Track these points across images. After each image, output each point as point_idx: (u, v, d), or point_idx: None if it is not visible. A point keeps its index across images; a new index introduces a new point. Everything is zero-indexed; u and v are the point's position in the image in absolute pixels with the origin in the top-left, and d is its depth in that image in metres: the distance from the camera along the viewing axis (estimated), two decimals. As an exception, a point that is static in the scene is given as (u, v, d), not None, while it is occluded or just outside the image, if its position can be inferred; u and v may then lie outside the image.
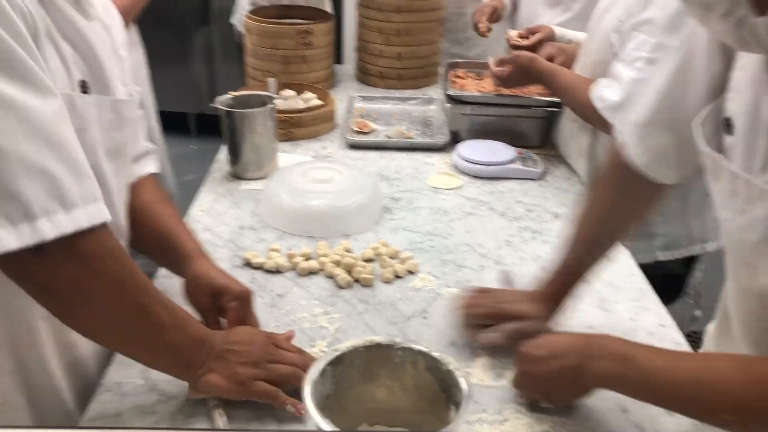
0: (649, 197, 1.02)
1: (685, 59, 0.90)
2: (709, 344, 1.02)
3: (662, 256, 1.58)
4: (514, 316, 1.01)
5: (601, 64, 1.49)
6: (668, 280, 1.58)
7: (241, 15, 2.54)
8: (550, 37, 1.87)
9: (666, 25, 1.29)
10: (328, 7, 2.39)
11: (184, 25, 3.79)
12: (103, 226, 0.75)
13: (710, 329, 1.02)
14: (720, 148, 0.84)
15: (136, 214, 1.04)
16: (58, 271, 0.72)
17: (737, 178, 0.79)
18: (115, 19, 1.01)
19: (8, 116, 0.68)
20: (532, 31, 1.88)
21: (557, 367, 0.88)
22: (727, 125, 0.83)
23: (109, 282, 0.75)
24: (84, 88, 0.86)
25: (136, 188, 1.07)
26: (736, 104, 0.82)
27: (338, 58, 2.99)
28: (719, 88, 0.86)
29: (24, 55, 0.70)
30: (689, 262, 1.68)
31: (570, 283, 1.04)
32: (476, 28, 2.18)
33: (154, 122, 2.03)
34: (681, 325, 1.14)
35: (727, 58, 0.86)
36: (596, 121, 1.45)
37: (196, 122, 4.03)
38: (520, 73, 1.61)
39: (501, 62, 1.63)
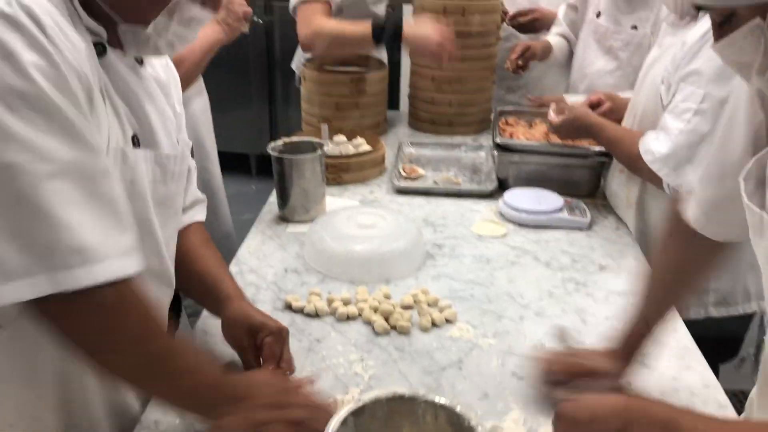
0: (710, 254, 1.02)
1: (731, 111, 0.89)
2: (750, 409, 0.98)
3: (715, 312, 1.52)
4: (591, 373, 1.01)
5: (650, 116, 1.48)
6: (722, 338, 1.52)
7: (299, 61, 2.62)
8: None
9: (713, 76, 1.28)
10: (383, 55, 2.45)
11: (248, 69, 3.93)
12: (129, 279, 0.79)
13: (753, 393, 0.98)
14: (763, 204, 0.82)
15: (181, 258, 1.08)
16: (82, 320, 0.76)
17: None
18: (174, 78, 1.08)
19: (53, 173, 0.73)
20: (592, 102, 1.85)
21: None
22: None
23: (130, 331, 0.79)
24: (135, 142, 0.92)
25: (182, 233, 1.12)
26: None
27: (394, 103, 3.05)
28: (762, 141, 0.85)
29: (74, 116, 0.75)
30: (746, 320, 1.61)
31: (642, 340, 1.05)
32: (513, 69, 2.19)
33: (213, 165, 2.10)
34: (733, 386, 1.10)
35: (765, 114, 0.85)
36: (645, 173, 1.43)
37: (257, 163, 4.16)
38: (573, 125, 1.61)
39: (559, 108, 1.66)
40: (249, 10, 1.77)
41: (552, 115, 1.66)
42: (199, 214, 1.20)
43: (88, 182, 0.77)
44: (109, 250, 0.76)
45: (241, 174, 4.06)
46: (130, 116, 0.92)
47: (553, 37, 2.26)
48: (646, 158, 1.39)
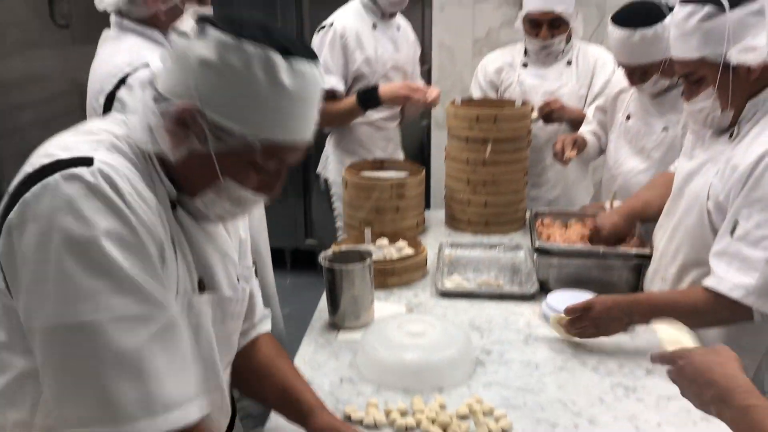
0: None
1: None
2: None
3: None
4: None
5: (693, 234, 1.54)
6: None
7: (323, 165, 2.78)
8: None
9: None
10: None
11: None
12: (195, 423, 0.87)
13: None
14: None
15: (259, 370, 1.19)
16: None
17: None
18: (246, 228, 1.22)
19: (126, 328, 0.83)
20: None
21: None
22: None
23: None
24: (201, 286, 1.03)
25: (255, 345, 1.22)
26: None
27: (427, 202, 3.16)
28: None
29: (142, 277, 0.87)
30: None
31: None
32: (557, 156, 2.28)
33: (267, 269, 2.18)
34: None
35: None
36: (726, 314, 1.43)
37: (291, 257, 4.26)
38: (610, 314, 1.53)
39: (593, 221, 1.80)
40: None
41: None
42: (266, 326, 1.30)
43: (156, 336, 0.86)
44: (177, 400, 0.85)
45: (277, 269, 4.15)
46: (198, 263, 1.03)
47: (585, 134, 2.36)
48: (737, 294, 1.38)
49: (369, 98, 2.43)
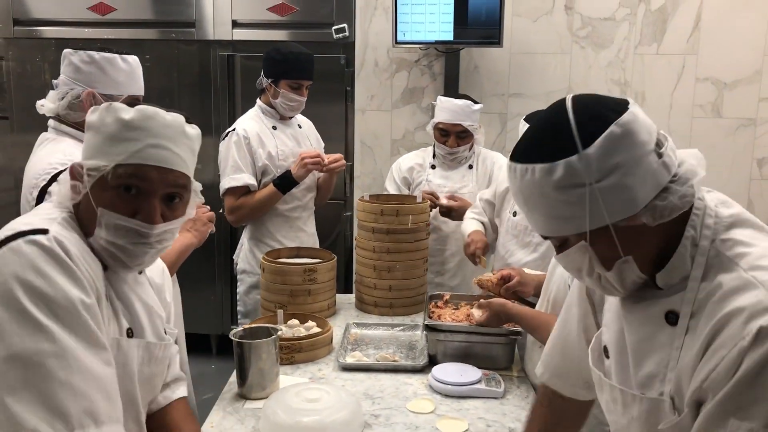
0: (574, 413, 1.32)
1: (568, 302, 1.26)
2: None
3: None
4: None
5: (560, 302, 1.82)
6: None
7: (237, 253, 3.02)
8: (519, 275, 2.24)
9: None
10: None
11: (212, 254, 4.27)
12: None
13: None
14: (603, 369, 1.15)
15: (165, 429, 1.37)
16: None
17: (613, 388, 1.10)
18: (167, 279, 1.45)
19: (70, 363, 1.04)
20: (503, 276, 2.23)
21: None
22: (605, 351, 1.15)
23: None
24: (129, 333, 1.25)
25: (168, 409, 1.41)
26: (607, 335, 1.15)
27: (349, 287, 3.39)
28: (590, 326, 1.21)
29: (91, 324, 1.09)
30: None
31: None
32: (473, 260, 2.54)
33: (183, 349, 2.35)
34: None
35: (593, 306, 1.21)
36: None
37: (217, 343, 4.37)
38: (495, 317, 1.96)
39: (480, 306, 2.01)
40: (212, 214, 2.13)
41: (476, 315, 2.00)
42: (181, 391, 1.50)
43: (96, 371, 1.07)
44: (111, 416, 1.06)
45: (202, 354, 4.25)
46: (126, 313, 1.26)
47: (471, 221, 2.66)
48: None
49: (285, 181, 2.73)
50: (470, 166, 2.96)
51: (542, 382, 1.38)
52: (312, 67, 2.80)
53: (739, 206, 1.06)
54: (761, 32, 3.68)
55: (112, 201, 1.20)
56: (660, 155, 0.98)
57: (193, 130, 1.30)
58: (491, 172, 2.96)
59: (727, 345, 0.92)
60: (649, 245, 1.01)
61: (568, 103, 1.00)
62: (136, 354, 1.27)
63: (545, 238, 1.08)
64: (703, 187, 1.06)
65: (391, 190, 3.03)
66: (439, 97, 2.91)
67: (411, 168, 3.03)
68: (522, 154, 1.02)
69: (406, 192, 3.00)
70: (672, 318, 1.02)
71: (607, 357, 1.15)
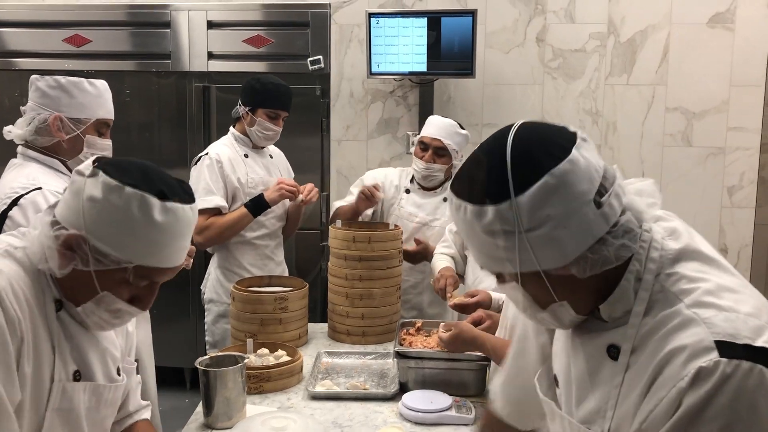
0: None
1: (522, 331, 1.24)
2: None
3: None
4: None
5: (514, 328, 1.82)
6: None
7: (204, 283, 2.99)
8: (488, 300, 2.24)
9: None
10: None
11: (187, 286, 4.21)
12: None
13: None
14: (554, 398, 1.13)
15: None
16: None
17: (563, 418, 1.08)
18: (133, 324, 1.45)
19: None
20: (471, 295, 2.25)
21: None
22: (555, 380, 1.13)
23: None
24: (76, 376, 1.24)
25: (132, 429, 1.44)
26: (557, 365, 1.13)
27: (326, 316, 3.35)
28: (548, 353, 1.19)
29: None
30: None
31: None
32: (443, 295, 2.51)
33: (151, 379, 2.30)
34: None
35: (548, 333, 1.20)
36: None
37: (191, 377, 4.29)
38: (459, 338, 1.95)
39: (446, 326, 2.00)
40: (192, 248, 2.13)
41: (441, 332, 2.00)
42: (145, 414, 1.51)
43: None
44: None
45: (175, 388, 4.17)
46: (76, 356, 1.24)
47: (442, 257, 2.66)
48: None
49: (257, 204, 2.72)
50: (444, 199, 2.94)
51: (500, 416, 1.32)
52: (290, 100, 2.84)
53: (689, 236, 1.02)
54: (726, 63, 3.77)
55: (117, 289, 1.20)
56: (599, 205, 0.92)
57: (196, 207, 1.26)
58: None
59: (666, 385, 0.89)
60: (584, 291, 0.98)
61: (509, 140, 0.95)
62: (83, 398, 1.25)
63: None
64: (661, 212, 1.04)
65: (355, 192, 2.97)
66: (431, 116, 2.97)
67: (387, 181, 2.99)
68: (457, 187, 0.99)
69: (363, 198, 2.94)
70: (613, 352, 0.99)
71: (557, 386, 1.14)
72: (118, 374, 1.37)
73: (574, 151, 0.93)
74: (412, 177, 2.97)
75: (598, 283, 0.97)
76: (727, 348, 0.86)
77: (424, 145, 2.88)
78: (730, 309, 0.91)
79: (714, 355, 0.86)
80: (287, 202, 2.87)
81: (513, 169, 0.92)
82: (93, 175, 1.15)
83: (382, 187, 2.94)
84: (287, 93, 2.82)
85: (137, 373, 1.52)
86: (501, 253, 0.95)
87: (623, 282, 0.97)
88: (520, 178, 0.92)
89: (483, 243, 0.97)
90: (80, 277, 1.17)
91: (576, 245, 0.93)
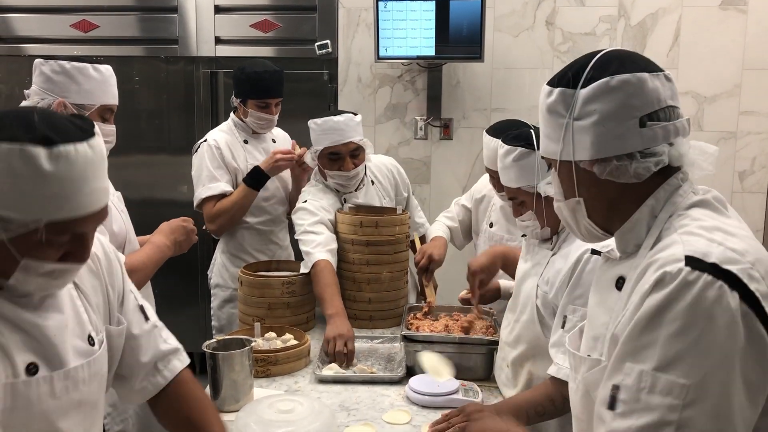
0: None
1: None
2: None
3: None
4: None
5: (527, 323, 1.81)
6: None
7: (211, 268, 2.99)
8: (497, 290, 2.23)
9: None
10: None
11: (195, 271, 4.23)
12: None
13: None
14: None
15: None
16: None
17: (574, 356, 1.16)
18: (114, 261, 1.34)
19: None
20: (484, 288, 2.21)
21: None
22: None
23: None
24: (31, 369, 1.09)
25: (178, 392, 1.41)
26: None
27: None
28: None
29: None
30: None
31: None
32: (421, 275, 2.53)
33: None
34: None
35: None
36: None
37: (200, 362, 4.31)
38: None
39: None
40: (194, 228, 2.14)
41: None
42: (180, 362, 1.45)
43: None
44: None
45: (185, 372, 4.20)
46: (29, 344, 1.10)
47: (438, 224, 2.66)
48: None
49: (255, 177, 2.70)
50: (372, 182, 2.76)
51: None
52: (279, 84, 2.80)
53: (716, 193, 1.09)
54: (739, 46, 3.72)
55: (39, 251, 1.06)
56: (643, 125, 1.04)
57: (99, 141, 1.10)
58: (394, 176, 2.83)
59: (637, 292, 0.97)
60: (600, 198, 1.10)
61: (604, 49, 1.11)
62: (45, 390, 1.11)
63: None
64: (703, 186, 1.09)
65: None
66: (312, 121, 2.57)
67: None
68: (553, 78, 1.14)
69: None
70: (620, 283, 1.07)
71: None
72: (92, 343, 1.22)
73: (647, 74, 1.05)
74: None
75: (614, 200, 1.08)
76: (694, 261, 0.92)
77: (334, 155, 2.56)
78: (714, 241, 0.96)
79: (681, 265, 0.92)
80: (288, 184, 2.87)
81: (592, 68, 1.07)
82: None
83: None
84: (274, 79, 2.76)
85: (147, 319, 1.40)
86: (553, 133, 1.11)
87: (637, 214, 1.07)
88: (591, 76, 1.06)
89: (545, 121, 1.14)
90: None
91: (606, 146, 1.05)
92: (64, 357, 1.16)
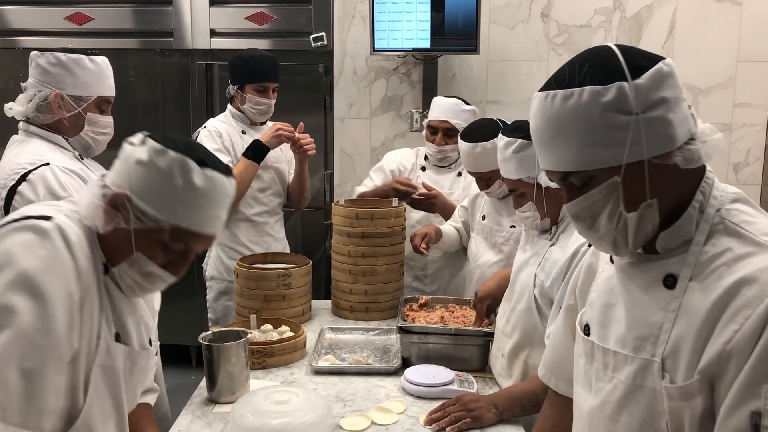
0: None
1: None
2: None
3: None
4: None
5: (524, 312, 1.83)
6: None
7: (206, 261, 3.00)
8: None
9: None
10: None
11: (191, 266, 4.23)
12: None
13: None
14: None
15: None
16: None
17: (608, 352, 1.11)
18: (158, 294, 1.52)
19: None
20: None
21: None
22: (587, 329, 1.17)
23: None
24: (117, 338, 1.30)
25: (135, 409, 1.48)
26: (590, 313, 1.18)
27: (327, 293, 3.36)
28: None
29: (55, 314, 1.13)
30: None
31: None
32: (416, 249, 2.55)
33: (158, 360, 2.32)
34: None
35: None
36: None
37: (196, 354, 4.32)
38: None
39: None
40: None
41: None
42: (149, 399, 1.59)
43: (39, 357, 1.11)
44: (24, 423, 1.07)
45: (181, 365, 4.20)
46: (116, 319, 1.31)
47: (447, 226, 2.67)
48: None
49: (256, 149, 2.70)
50: (459, 174, 2.92)
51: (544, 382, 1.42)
52: (276, 69, 2.81)
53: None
54: (734, 38, 3.72)
55: (153, 250, 1.27)
56: (689, 107, 1.03)
57: (234, 183, 1.34)
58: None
59: (750, 305, 0.92)
60: (671, 193, 1.03)
61: (610, 45, 1.04)
62: (121, 359, 1.31)
63: (565, 180, 1.06)
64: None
65: (377, 180, 2.95)
66: (434, 98, 2.91)
67: (402, 164, 2.97)
68: (565, 80, 1.02)
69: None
70: (670, 281, 1.03)
71: (588, 335, 1.16)
72: (150, 344, 1.44)
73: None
74: (426, 155, 2.96)
75: (680, 191, 1.03)
76: None
77: (433, 129, 2.85)
78: None
79: None
80: (286, 176, 2.88)
81: (625, 59, 1.00)
82: (142, 143, 1.26)
83: (404, 170, 2.95)
84: (271, 63, 2.79)
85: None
86: (611, 137, 0.99)
87: (689, 210, 1.04)
88: (635, 65, 0.99)
89: (594, 129, 0.99)
90: (120, 237, 1.25)
91: (682, 132, 1.01)
92: (132, 341, 1.36)
